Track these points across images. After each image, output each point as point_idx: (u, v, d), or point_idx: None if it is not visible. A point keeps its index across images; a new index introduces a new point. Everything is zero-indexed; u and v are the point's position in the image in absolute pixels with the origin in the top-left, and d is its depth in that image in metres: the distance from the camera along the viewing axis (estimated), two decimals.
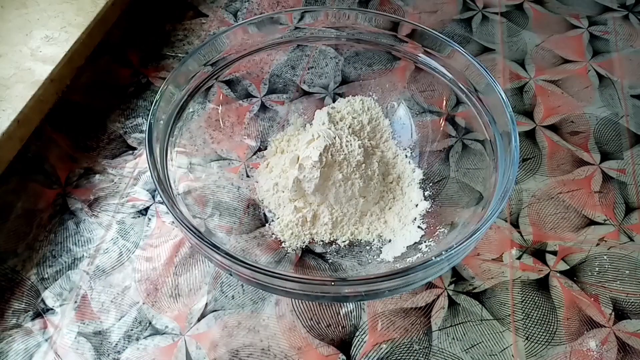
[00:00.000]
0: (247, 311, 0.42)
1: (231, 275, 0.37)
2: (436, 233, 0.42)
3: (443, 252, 0.34)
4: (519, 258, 0.45)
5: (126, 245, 0.45)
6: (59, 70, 0.51)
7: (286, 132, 0.51)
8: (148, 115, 0.41)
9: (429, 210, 0.45)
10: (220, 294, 0.42)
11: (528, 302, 0.42)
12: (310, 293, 0.35)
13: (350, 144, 0.44)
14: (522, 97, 0.56)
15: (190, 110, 0.45)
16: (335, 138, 0.44)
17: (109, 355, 0.39)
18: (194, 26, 0.63)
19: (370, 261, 0.43)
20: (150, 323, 0.41)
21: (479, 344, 0.40)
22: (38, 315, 0.41)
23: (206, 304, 0.42)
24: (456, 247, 0.34)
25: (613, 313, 0.42)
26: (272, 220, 0.45)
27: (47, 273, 0.43)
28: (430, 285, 0.43)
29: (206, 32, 0.62)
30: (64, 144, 0.52)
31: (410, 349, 0.40)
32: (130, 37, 0.61)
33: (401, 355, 0.40)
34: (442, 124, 0.48)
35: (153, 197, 0.48)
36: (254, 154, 0.50)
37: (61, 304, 0.42)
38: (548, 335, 0.41)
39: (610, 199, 0.48)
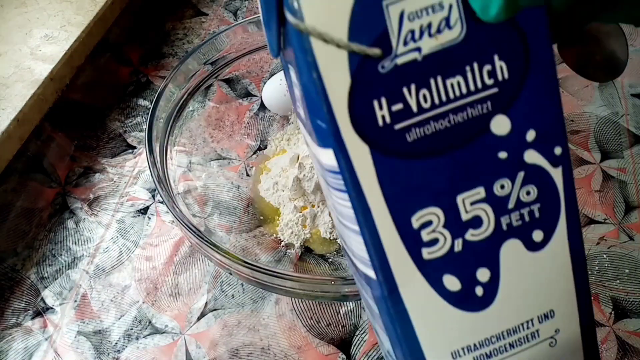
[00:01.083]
0: (247, 310, 0.42)
1: (231, 274, 0.37)
2: None
3: None
4: None
5: (126, 244, 0.45)
6: (59, 69, 0.51)
7: (286, 131, 0.51)
8: (148, 114, 0.41)
9: None
10: (220, 293, 0.42)
11: None
12: (310, 292, 0.35)
13: None
14: None
15: (190, 109, 0.45)
16: None
17: (108, 354, 0.39)
18: (193, 25, 0.63)
19: None
20: (150, 322, 0.41)
21: None
22: (38, 314, 0.41)
23: (206, 303, 0.42)
24: None
25: (613, 312, 0.42)
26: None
27: (46, 272, 0.43)
28: None
29: (206, 30, 0.62)
30: (63, 142, 0.52)
31: None
32: (130, 36, 0.61)
33: None
34: None
35: (153, 196, 0.48)
36: (254, 153, 0.50)
37: (61, 303, 0.42)
38: None
39: (610, 197, 0.48)
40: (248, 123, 0.51)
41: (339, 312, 0.42)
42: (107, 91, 0.56)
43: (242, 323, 0.41)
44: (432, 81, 0.17)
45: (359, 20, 0.16)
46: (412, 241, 0.18)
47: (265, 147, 0.50)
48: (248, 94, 0.52)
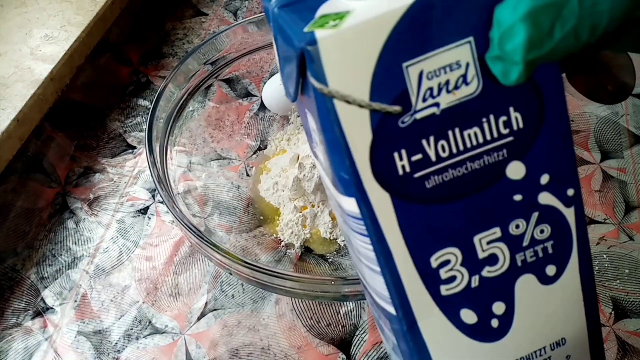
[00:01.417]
0: (247, 310, 0.42)
1: (231, 274, 0.37)
2: None
3: None
4: None
5: (126, 244, 0.45)
6: (59, 69, 0.51)
7: (286, 131, 0.51)
8: (148, 114, 0.41)
9: None
10: (220, 293, 0.42)
11: None
12: (310, 292, 0.35)
13: None
14: None
15: (190, 109, 0.45)
16: None
17: (108, 354, 0.39)
18: (193, 25, 0.63)
19: None
20: (150, 322, 0.41)
21: None
22: (38, 314, 0.41)
23: (206, 303, 0.42)
24: None
25: (613, 312, 0.42)
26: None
27: (46, 272, 0.43)
28: None
29: (206, 30, 0.62)
30: (63, 142, 0.52)
31: None
32: (130, 36, 0.61)
33: None
34: None
35: (153, 196, 0.48)
36: (254, 153, 0.50)
37: (61, 303, 0.42)
38: None
39: (610, 197, 0.48)
40: (248, 123, 0.51)
41: (339, 312, 0.42)
42: (107, 91, 0.56)
43: (242, 323, 0.41)
44: (449, 133, 0.18)
45: (380, 81, 0.17)
46: (431, 279, 0.19)
47: (265, 147, 0.50)
48: (248, 94, 0.52)
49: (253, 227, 0.45)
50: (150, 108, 0.40)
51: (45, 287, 0.43)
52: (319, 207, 0.44)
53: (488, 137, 0.18)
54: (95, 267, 0.44)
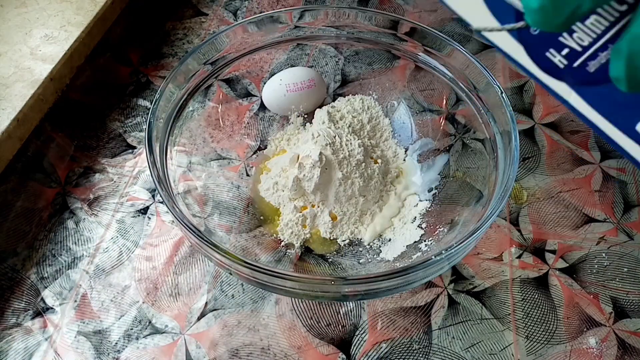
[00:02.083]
0: (247, 310, 0.42)
1: (231, 274, 0.37)
2: (436, 232, 0.42)
3: (443, 251, 0.34)
4: (519, 257, 0.45)
5: (126, 244, 0.45)
6: (59, 69, 0.51)
7: (286, 131, 0.51)
8: (148, 114, 0.41)
9: (429, 209, 0.45)
10: (220, 293, 0.42)
11: (528, 300, 0.42)
12: (310, 292, 0.35)
13: (350, 143, 0.44)
14: (522, 95, 0.56)
15: (190, 109, 0.45)
16: (335, 137, 0.44)
17: (108, 354, 0.39)
18: (193, 25, 0.63)
19: (370, 260, 0.43)
20: (150, 322, 0.41)
21: (479, 343, 0.40)
22: (38, 314, 0.41)
23: (206, 303, 0.42)
24: (456, 246, 0.34)
25: (613, 312, 0.42)
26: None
27: (46, 272, 0.43)
28: (430, 285, 0.43)
29: (206, 30, 0.62)
30: (63, 142, 0.52)
31: (410, 348, 0.40)
32: (130, 36, 0.61)
33: (401, 354, 0.40)
34: (442, 123, 0.48)
35: (153, 196, 0.48)
36: (254, 153, 0.50)
37: (61, 303, 0.42)
38: (548, 334, 0.41)
39: (610, 197, 0.48)
40: (248, 123, 0.51)
41: (339, 312, 0.42)
42: (107, 91, 0.56)
43: (242, 323, 0.41)
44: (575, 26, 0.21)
45: (499, 13, 0.22)
46: None
47: (265, 147, 0.50)
48: (248, 94, 0.52)
49: (253, 227, 0.45)
50: (150, 108, 0.40)
51: (45, 287, 0.43)
52: (319, 207, 0.44)
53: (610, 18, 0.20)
54: (95, 267, 0.44)
